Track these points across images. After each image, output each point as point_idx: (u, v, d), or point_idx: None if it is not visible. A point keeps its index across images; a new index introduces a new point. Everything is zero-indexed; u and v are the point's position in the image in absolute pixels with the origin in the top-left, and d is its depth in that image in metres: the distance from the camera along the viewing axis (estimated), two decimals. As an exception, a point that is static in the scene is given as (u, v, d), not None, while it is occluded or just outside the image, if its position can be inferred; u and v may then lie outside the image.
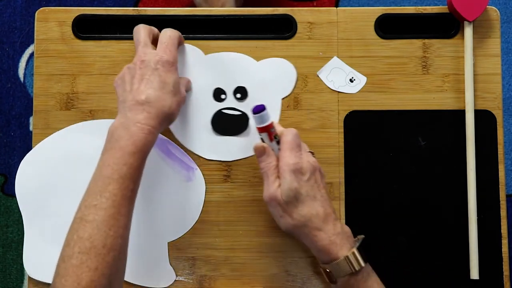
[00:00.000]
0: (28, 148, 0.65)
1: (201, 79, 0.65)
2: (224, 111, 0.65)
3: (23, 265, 1.17)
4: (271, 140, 0.57)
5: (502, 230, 0.64)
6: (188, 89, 0.64)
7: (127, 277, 0.63)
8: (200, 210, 0.64)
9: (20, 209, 0.64)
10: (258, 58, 0.66)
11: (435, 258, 0.64)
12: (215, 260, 0.64)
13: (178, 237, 0.64)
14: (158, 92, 0.55)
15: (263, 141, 0.58)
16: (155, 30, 0.62)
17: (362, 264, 0.54)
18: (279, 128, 0.58)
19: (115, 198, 0.51)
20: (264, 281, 0.64)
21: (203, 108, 0.65)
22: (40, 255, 0.63)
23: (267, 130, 0.57)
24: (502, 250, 0.64)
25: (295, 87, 0.65)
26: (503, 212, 0.64)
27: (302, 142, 0.59)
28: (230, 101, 0.65)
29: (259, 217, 0.64)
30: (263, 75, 0.65)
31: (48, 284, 0.63)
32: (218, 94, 0.65)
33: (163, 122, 0.56)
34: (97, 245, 0.49)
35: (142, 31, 0.60)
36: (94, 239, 0.49)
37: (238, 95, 0.65)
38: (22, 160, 0.64)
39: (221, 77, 0.65)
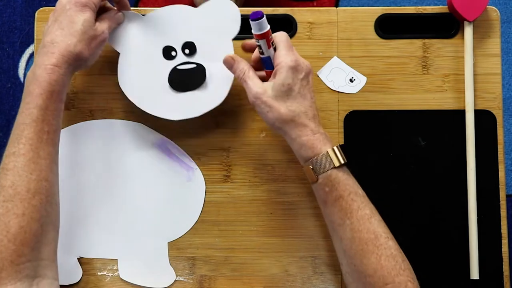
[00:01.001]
0: (28, 148, 0.65)
1: (147, 41, 0.63)
2: (178, 67, 0.63)
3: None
4: (269, 47, 0.57)
5: (502, 230, 0.64)
6: (119, 21, 0.63)
7: (128, 277, 0.63)
8: (200, 210, 0.64)
9: None
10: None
11: (435, 258, 0.64)
12: (215, 260, 0.64)
13: (178, 237, 0.64)
14: (64, 31, 0.56)
15: (260, 48, 0.57)
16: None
17: (343, 160, 0.55)
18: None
19: (31, 142, 0.52)
20: (264, 281, 0.64)
21: (156, 69, 0.63)
22: None
23: (266, 37, 0.56)
24: (502, 250, 0.64)
25: (241, 25, 0.63)
26: (503, 212, 0.64)
27: None
28: (181, 57, 0.63)
29: (259, 217, 0.64)
30: (206, 22, 0.63)
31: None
32: (168, 52, 0.63)
33: (70, 61, 0.56)
34: (21, 191, 0.50)
35: None
36: (17, 185, 0.50)
37: (187, 51, 0.63)
38: None
39: (166, 35, 0.63)
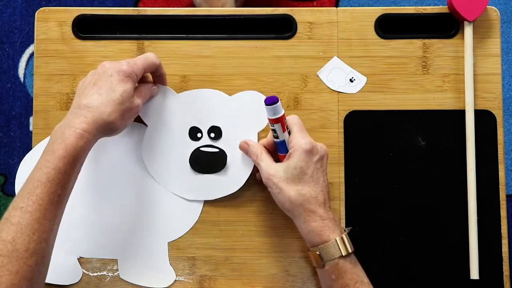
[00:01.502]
0: (28, 148, 0.65)
1: (175, 118, 0.64)
2: (201, 149, 0.64)
3: (23, 265, 1.18)
4: (283, 130, 0.57)
5: (502, 230, 0.64)
6: (154, 94, 0.63)
7: (128, 277, 0.63)
8: (200, 210, 0.64)
9: None
10: (258, 58, 0.66)
11: (435, 258, 0.64)
12: (215, 260, 0.64)
13: (178, 237, 0.64)
14: (101, 98, 0.55)
15: (275, 132, 0.58)
16: (155, 67, 0.61)
17: (351, 249, 0.55)
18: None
19: (41, 202, 0.51)
20: (264, 281, 0.64)
21: (180, 148, 0.64)
22: None
23: (281, 121, 0.57)
24: (502, 250, 0.64)
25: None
26: (503, 212, 0.64)
27: None
28: (206, 139, 0.64)
29: (259, 217, 0.64)
30: (237, 111, 0.64)
31: (48, 284, 0.63)
32: (194, 133, 0.64)
33: (100, 129, 0.55)
34: (20, 249, 0.49)
35: (141, 61, 0.59)
36: (17, 242, 0.49)
37: (212, 135, 0.64)
38: (22, 160, 0.64)
39: (195, 116, 0.64)
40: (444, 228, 0.64)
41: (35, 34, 0.67)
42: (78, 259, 0.63)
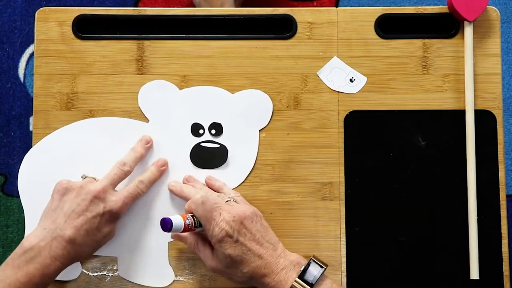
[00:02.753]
0: (28, 148, 0.65)
1: (177, 114, 0.65)
2: (202, 144, 0.65)
3: (23, 265, 1.17)
4: (193, 231, 0.59)
5: (502, 230, 0.64)
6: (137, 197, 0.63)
7: (127, 275, 0.63)
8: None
9: (23, 206, 0.64)
10: (258, 58, 0.66)
11: (435, 258, 0.64)
12: (215, 260, 0.64)
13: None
14: (87, 238, 0.56)
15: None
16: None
17: (308, 286, 0.55)
18: (187, 203, 0.59)
19: None
20: (264, 281, 0.63)
21: (181, 144, 0.65)
22: None
23: (186, 230, 0.57)
24: (502, 250, 0.64)
25: (271, 118, 0.65)
26: (503, 212, 0.64)
27: (222, 186, 0.62)
28: (207, 135, 0.65)
29: (259, 217, 0.64)
30: (239, 108, 0.65)
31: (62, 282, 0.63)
32: (196, 129, 0.65)
33: (72, 262, 0.57)
34: None
35: (133, 160, 0.62)
36: None
37: (213, 131, 0.64)
38: (24, 158, 0.64)
39: (197, 112, 0.65)
40: (444, 228, 0.64)
41: (35, 34, 0.67)
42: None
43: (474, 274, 0.62)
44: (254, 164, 0.64)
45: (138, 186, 0.61)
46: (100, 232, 0.58)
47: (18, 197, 1.18)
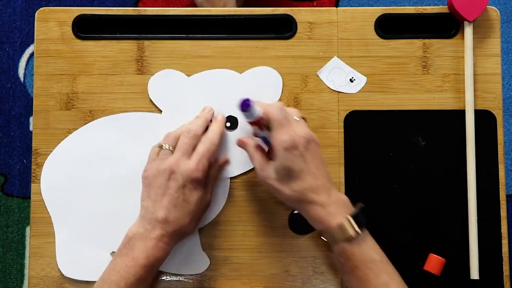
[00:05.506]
0: (28, 148, 0.65)
1: (190, 102, 0.65)
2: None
3: (23, 265, 1.18)
4: (261, 129, 0.57)
5: (502, 230, 0.64)
6: (217, 179, 0.64)
7: (163, 267, 0.62)
8: (227, 191, 0.64)
9: (48, 211, 0.64)
10: (258, 58, 0.66)
11: (435, 258, 0.64)
12: (215, 260, 0.64)
13: (209, 221, 0.64)
14: (178, 212, 0.57)
15: (255, 130, 0.59)
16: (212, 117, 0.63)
17: (358, 230, 0.54)
18: (263, 105, 0.58)
19: None
20: (264, 281, 0.64)
21: None
22: (73, 254, 0.63)
23: (257, 124, 0.57)
24: (502, 250, 0.64)
25: (282, 93, 0.65)
26: (503, 212, 0.64)
27: (291, 108, 0.60)
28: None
29: (259, 217, 0.64)
30: (249, 87, 0.65)
31: (62, 283, 0.63)
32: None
33: (177, 239, 0.58)
34: None
35: (199, 124, 0.61)
36: None
37: (228, 124, 0.64)
38: (44, 165, 0.65)
39: (210, 102, 0.64)
40: (444, 228, 0.64)
41: (35, 34, 0.67)
42: (110, 254, 0.63)
43: (474, 274, 0.62)
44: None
45: (204, 142, 0.59)
46: (189, 203, 0.57)
47: (18, 197, 1.18)
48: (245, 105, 0.55)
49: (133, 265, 0.55)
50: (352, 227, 0.54)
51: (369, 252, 0.55)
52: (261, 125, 0.57)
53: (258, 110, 0.56)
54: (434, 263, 0.62)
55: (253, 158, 0.59)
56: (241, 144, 0.61)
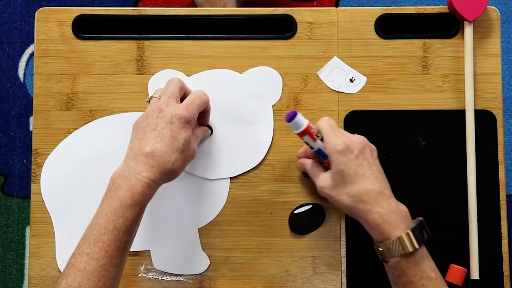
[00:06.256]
0: (28, 148, 0.65)
1: None
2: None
3: (23, 265, 1.18)
4: (314, 140, 0.57)
5: (502, 230, 0.64)
6: (206, 137, 0.64)
7: (162, 267, 0.63)
8: (227, 191, 0.64)
9: (48, 210, 0.64)
10: (258, 58, 0.66)
11: (435, 258, 0.64)
12: (215, 260, 0.64)
13: (208, 222, 0.64)
14: (165, 146, 0.54)
15: (307, 143, 0.58)
16: (188, 88, 0.61)
17: (416, 246, 0.52)
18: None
19: (108, 249, 0.51)
20: (264, 281, 0.64)
21: None
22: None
23: (308, 133, 0.56)
24: (502, 250, 0.64)
25: (282, 93, 0.65)
26: (503, 212, 0.64)
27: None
28: None
29: (259, 217, 0.64)
30: (249, 87, 0.65)
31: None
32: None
33: (164, 177, 0.55)
34: None
35: (175, 83, 0.59)
36: None
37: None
38: (45, 162, 0.65)
39: (211, 101, 0.64)
40: (444, 228, 0.64)
41: (35, 34, 0.67)
42: None
43: (474, 274, 0.62)
44: (272, 140, 0.64)
45: (193, 93, 0.59)
46: (177, 140, 0.55)
47: (18, 197, 1.18)
48: (290, 116, 0.55)
49: (119, 206, 0.52)
50: (411, 243, 0.52)
51: (425, 269, 0.53)
52: (312, 134, 0.57)
53: (303, 120, 0.56)
54: (455, 273, 0.62)
55: (311, 173, 0.59)
56: (300, 166, 0.62)
